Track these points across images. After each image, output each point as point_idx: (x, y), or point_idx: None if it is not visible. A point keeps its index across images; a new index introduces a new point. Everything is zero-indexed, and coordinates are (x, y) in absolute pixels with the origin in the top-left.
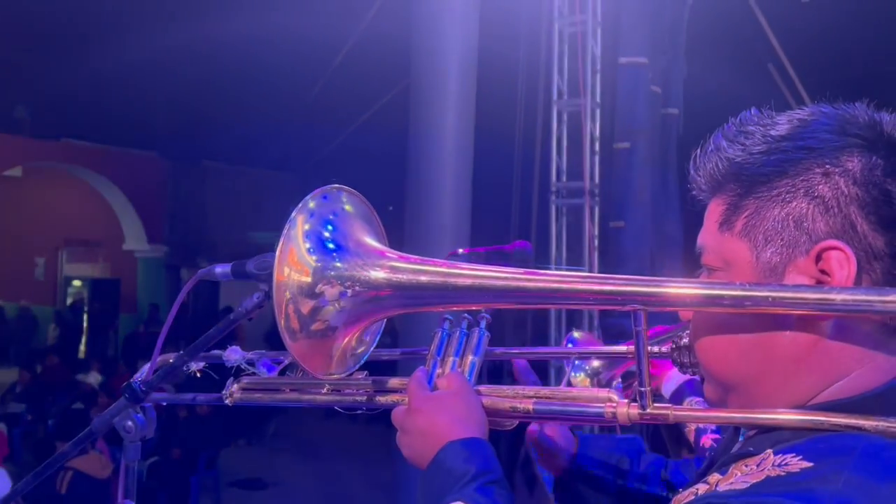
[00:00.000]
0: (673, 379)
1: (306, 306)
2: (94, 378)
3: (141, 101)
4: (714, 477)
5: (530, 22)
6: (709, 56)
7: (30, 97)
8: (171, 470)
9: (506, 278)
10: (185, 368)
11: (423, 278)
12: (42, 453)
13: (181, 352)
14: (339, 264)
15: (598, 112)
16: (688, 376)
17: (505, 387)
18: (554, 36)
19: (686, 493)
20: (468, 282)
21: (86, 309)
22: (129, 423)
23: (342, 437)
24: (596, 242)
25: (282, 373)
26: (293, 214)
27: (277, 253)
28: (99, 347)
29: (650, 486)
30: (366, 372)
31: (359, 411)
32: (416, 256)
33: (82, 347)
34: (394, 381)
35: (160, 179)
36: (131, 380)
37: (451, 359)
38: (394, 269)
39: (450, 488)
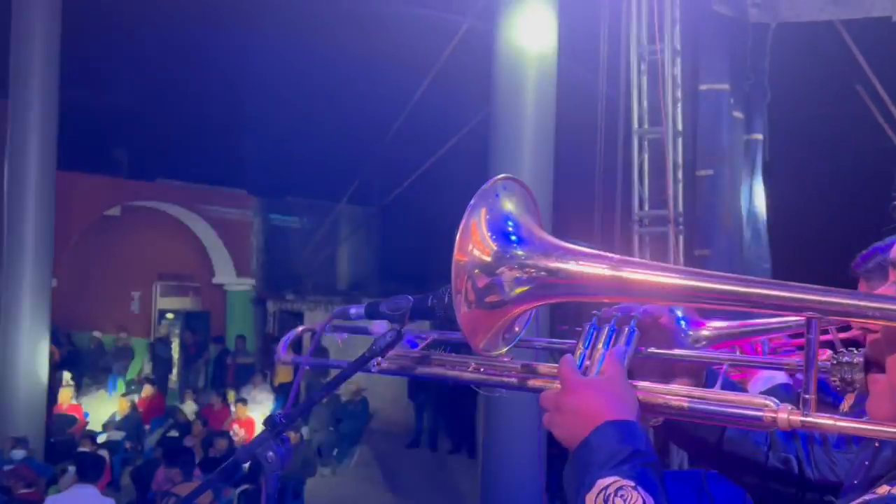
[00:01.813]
0: (760, 380)
1: (483, 281)
2: (189, 407)
3: (229, 141)
4: (883, 488)
5: (609, 51)
6: (794, 80)
7: (128, 141)
8: (261, 498)
9: (680, 276)
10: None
11: (594, 269)
12: (140, 480)
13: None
14: (517, 251)
15: (679, 139)
16: (781, 380)
17: (657, 384)
18: (633, 65)
19: (856, 502)
20: (638, 276)
21: (178, 341)
22: (271, 453)
23: (426, 467)
24: None
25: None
26: (473, 202)
27: (459, 234)
28: (191, 378)
29: (757, 434)
30: (511, 356)
31: (498, 394)
32: (588, 248)
33: (174, 378)
34: (542, 367)
35: (248, 215)
36: (273, 412)
37: (600, 351)
38: (565, 259)
39: (603, 464)
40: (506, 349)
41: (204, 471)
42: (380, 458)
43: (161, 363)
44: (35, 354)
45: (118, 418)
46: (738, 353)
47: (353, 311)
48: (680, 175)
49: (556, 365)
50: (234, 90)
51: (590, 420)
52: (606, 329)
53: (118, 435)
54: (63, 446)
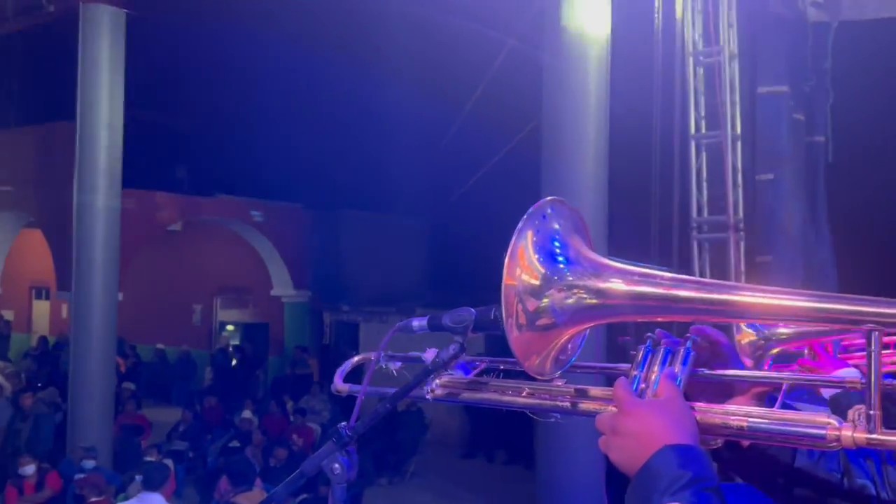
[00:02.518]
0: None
1: (533, 304)
2: (248, 418)
3: (284, 157)
4: None
5: (664, 55)
6: (858, 79)
7: (188, 159)
8: None
9: (732, 292)
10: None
11: (645, 289)
12: (204, 489)
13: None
14: (565, 273)
15: (738, 143)
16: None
17: (714, 405)
18: (689, 68)
19: None
20: (690, 293)
21: (238, 352)
22: (337, 465)
23: (482, 478)
24: (743, 279)
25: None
26: (520, 226)
27: (507, 259)
28: (251, 388)
29: (828, 461)
30: (564, 380)
31: (553, 419)
32: (639, 268)
33: (235, 389)
34: (595, 390)
35: (303, 228)
36: (339, 425)
37: (655, 374)
38: (615, 279)
39: (664, 490)
40: (559, 373)
41: (264, 480)
42: (436, 468)
43: (221, 374)
44: (103, 366)
45: (182, 428)
46: (806, 352)
47: (415, 323)
48: (739, 179)
49: (611, 388)
50: (288, 108)
51: (648, 443)
52: (661, 351)
53: (182, 445)
54: (129, 455)
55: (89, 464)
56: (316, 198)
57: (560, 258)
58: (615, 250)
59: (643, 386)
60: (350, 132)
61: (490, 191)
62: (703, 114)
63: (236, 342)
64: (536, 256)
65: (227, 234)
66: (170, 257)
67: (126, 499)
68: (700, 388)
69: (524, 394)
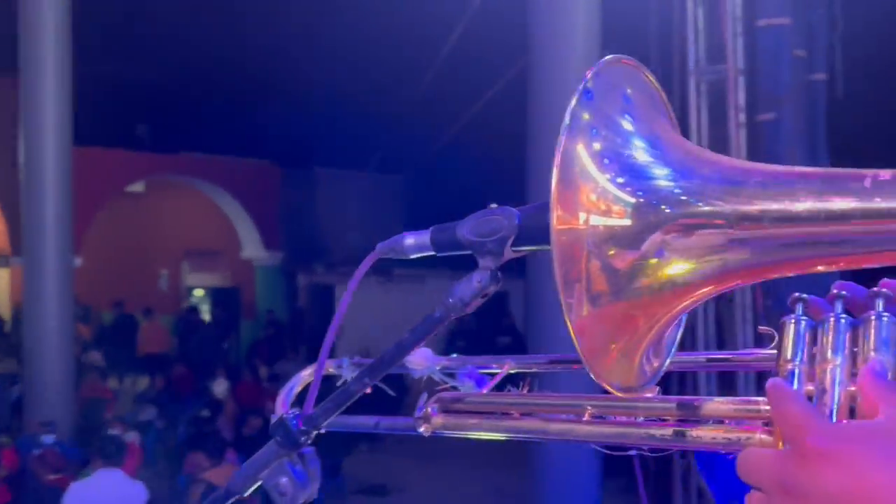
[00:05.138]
0: None
1: (622, 258)
2: (221, 386)
3: (251, 111)
4: None
5: None
6: (866, 13)
7: (149, 114)
8: None
9: None
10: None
11: (834, 204)
12: (173, 461)
13: (357, 370)
14: (677, 194)
15: (740, 80)
16: None
17: None
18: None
19: None
20: None
21: (208, 317)
22: (284, 479)
23: (467, 441)
24: None
25: (498, 388)
26: (567, 121)
27: (554, 184)
28: (222, 355)
29: None
30: (657, 389)
31: (632, 452)
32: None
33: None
34: (720, 404)
35: (273, 187)
36: (284, 415)
37: (831, 364)
38: (764, 196)
39: None
40: (647, 385)
41: (238, 451)
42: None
43: (189, 340)
44: (61, 335)
45: (149, 397)
46: None
47: (408, 240)
48: (742, 119)
49: (752, 400)
50: (255, 58)
51: None
52: (831, 321)
53: (149, 414)
54: (93, 429)
55: (48, 439)
56: (287, 154)
57: (657, 168)
58: None
59: (809, 387)
60: (320, 86)
61: (472, 142)
62: (703, 47)
63: (206, 307)
64: (610, 174)
65: (192, 195)
66: (132, 220)
67: (87, 476)
68: None
69: (587, 415)
